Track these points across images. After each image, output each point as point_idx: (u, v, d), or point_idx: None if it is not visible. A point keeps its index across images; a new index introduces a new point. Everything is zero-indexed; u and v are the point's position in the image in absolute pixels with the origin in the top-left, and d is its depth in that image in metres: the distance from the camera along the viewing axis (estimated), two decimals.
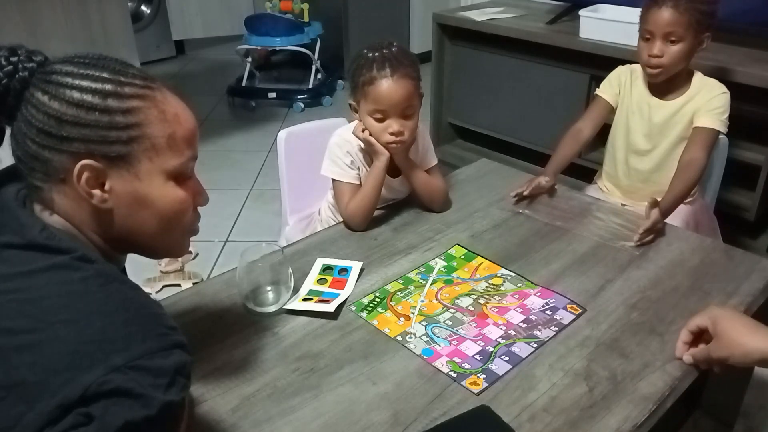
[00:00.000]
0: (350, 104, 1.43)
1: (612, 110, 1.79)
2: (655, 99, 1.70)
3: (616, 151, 1.81)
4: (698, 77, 1.67)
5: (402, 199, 1.56)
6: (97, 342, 0.64)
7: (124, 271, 0.87)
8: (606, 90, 1.79)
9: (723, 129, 1.61)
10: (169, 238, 0.82)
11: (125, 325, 0.66)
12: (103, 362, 0.62)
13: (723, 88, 1.63)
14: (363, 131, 1.39)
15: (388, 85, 1.32)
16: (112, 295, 0.69)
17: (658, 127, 1.70)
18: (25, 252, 0.70)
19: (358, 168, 1.46)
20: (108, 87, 0.72)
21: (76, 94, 0.71)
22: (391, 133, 1.36)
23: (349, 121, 1.68)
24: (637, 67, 1.73)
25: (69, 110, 0.70)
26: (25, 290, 0.67)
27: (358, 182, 1.45)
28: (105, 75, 0.73)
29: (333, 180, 1.47)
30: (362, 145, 1.44)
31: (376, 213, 1.48)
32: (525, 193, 1.51)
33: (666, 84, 1.66)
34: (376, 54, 1.34)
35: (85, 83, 0.71)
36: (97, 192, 0.73)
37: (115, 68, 0.74)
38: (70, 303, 0.67)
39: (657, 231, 1.38)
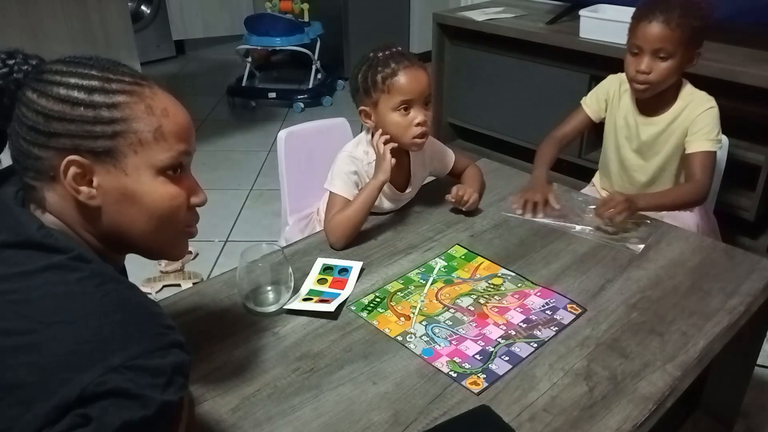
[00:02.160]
0: (362, 110, 1.40)
1: (593, 124, 1.75)
2: (641, 117, 1.64)
3: (609, 163, 1.77)
4: (687, 90, 1.60)
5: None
6: (93, 342, 0.64)
7: (124, 271, 0.87)
8: (591, 103, 1.73)
9: (716, 148, 1.55)
10: (163, 238, 0.81)
11: (122, 325, 0.66)
12: (101, 362, 0.62)
13: (710, 102, 1.56)
14: (380, 137, 1.36)
15: (412, 74, 1.33)
16: (108, 295, 0.69)
17: (647, 145, 1.65)
18: (22, 251, 0.69)
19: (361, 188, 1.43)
20: (94, 83, 0.72)
21: (62, 90, 0.71)
22: (417, 124, 1.35)
23: (350, 121, 1.69)
24: (625, 78, 1.64)
25: (55, 106, 0.71)
26: (22, 291, 0.67)
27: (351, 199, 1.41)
28: (93, 72, 0.73)
29: (330, 192, 1.42)
30: (371, 161, 1.42)
31: (377, 213, 1.48)
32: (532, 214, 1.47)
33: (653, 99, 1.59)
34: (387, 52, 1.35)
35: (72, 80, 0.72)
36: (84, 188, 0.73)
37: (105, 66, 0.75)
38: (67, 304, 0.67)
39: (618, 208, 1.36)
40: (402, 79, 1.32)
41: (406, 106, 1.34)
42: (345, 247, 1.35)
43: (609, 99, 1.71)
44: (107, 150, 0.73)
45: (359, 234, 1.39)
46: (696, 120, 1.55)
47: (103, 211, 0.75)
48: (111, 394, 0.61)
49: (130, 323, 0.67)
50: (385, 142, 1.36)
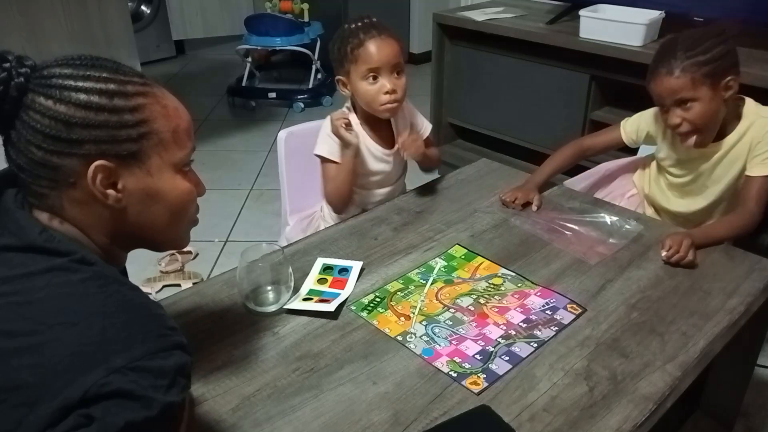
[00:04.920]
0: (339, 80, 1.48)
1: (624, 146, 1.67)
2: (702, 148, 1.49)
3: (663, 190, 1.65)
4: (750, 106, 1.47)
5: (397, 181, 1.63)
6: (97, 343, 0.64)
7: (124, 271, 0.87)
8: (629, 129, 1.63)
9: None
10: (178, 230, 0.84)
11: (125, 327, 0.66)
12: (104, 363, 0.62)
13: None
14: (337, 120, 1.44)
15: (377, 44, 1.40)
16: (111, 296, 0.69)
17: (714, 173, 1.51)
18: (24, 254, 0.70)
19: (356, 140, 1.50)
20: (112, 86, 0.72)
21: (82, 96, 0.71)
22: (386, 93, 1.42)
23: None
24: None
25: (77, 113, 0.70)
26: (25, 293, 0.67)
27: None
28: (105, 75, 0.73)
29: (322, 160, 1.51)
30: (356, 118, 1.52)
31: (377, 213, 1.49)
32: (513, 206, 1.50)
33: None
34: (359, 23, 1.43)
35: (88, 84, 0.71)
36: (111, 192, 0.74)
37: (112, 67, 0.75)
38: (70, 305, 0.67)
39: (689, 256, 1.26)
40: (368, 49, 1.40)
41: (374, 74, 1.41)
42: (346, 209, 1.52)
43: (655, 130, 1.59)
44: (133, 153, 0.74)
45: (359, 234, 1.40)
46: (762, 140, 1.42)
47: (127, 211, 0.77)
48: (114, 395, 0.61)
49: (133, 325, 0.67)
50: (347, 124, 1.45)
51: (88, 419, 0.60)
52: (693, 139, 1.44)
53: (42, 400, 0.61)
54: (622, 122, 1.65)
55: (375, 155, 1.54)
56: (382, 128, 1.54)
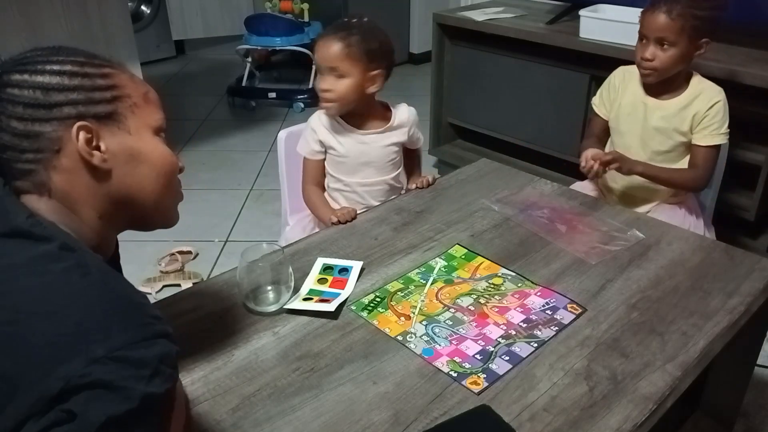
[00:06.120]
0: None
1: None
2: (651, 99, 1.67)
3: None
4: (696, 79, 1.65)
5: (393, 183, 1.66)
6: (76, 333, 0.63)
7: (118, 266, 0.87)
8: (599, 104, 1.80)
9: (724, 141, 1.61)
10: (166, 199, 0.86)
11: (106, 316, 0.65)
12: (83, 353, 0.61)
13: (720, 93, 1.61)
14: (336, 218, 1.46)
15: (318, 44, 1.49)
16: (93, 285, 0.68)
17: (654, 131, 1.68)
18: (10, 240, 0.69)
19: (324, 145, 1.59)
20: (81, 59, 0.78)
21: (56, 66, 0.76)
22: (320, 89, 1.51)
23: None
24: (632, 67, 1.72)
25: (53, 79, 0.75)
26: (6, 282, 0.66)
27: (322, 159, 1.61)
28: (71, 51, 0.78)
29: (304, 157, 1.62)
30: (333, 121, 1.57)
31: (377, 213, 1.49)
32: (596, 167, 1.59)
33: (662, 84, 1.64)
34: (340, 21, 1.51)
35: (61, 57, 0.77)
36: (96, 153, 0.76)
37: (74, 48, 0.80)
38: (50, 294, 0.66)
39: (606, 158, 1.54)
40: (315, 48, 1.50)
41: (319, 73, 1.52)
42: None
43: (615, 91, 1.74)
44: (109, 113, 0.77)
45: (359, 234, 1.40)
46: (707, 113, 1.60)
47: (114, 174, 0.79)
48: (93, 386, 0.60)
49: (114, 313, 0.66)
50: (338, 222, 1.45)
51: (69, 414, 0.59)
52: (651, 77, 1.62)
53: (21, 390, 0.60)
54: (591, 105, 1.83)
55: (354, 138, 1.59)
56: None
